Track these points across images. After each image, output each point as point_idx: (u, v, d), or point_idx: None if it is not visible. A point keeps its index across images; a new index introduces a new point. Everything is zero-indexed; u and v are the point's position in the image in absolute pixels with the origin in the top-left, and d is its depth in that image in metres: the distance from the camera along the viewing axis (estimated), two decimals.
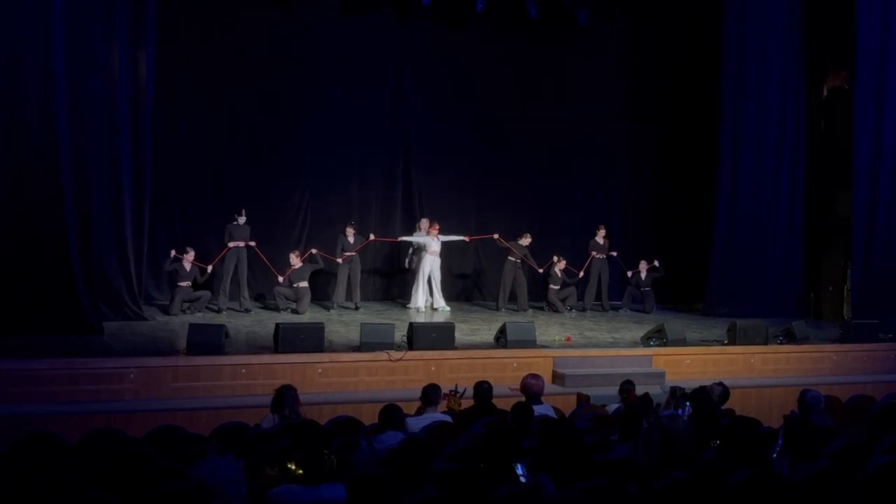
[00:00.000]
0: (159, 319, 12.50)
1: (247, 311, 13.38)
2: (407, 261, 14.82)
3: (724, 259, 15.35)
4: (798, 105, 15.54)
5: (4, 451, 6.14)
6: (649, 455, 5.32)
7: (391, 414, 6.51)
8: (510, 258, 14.87)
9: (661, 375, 11.03)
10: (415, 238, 14.75)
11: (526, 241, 14.98)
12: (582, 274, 15.33)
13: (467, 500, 5.05)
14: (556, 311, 15.00)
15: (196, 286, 13.24)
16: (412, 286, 14.67)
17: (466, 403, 7.91)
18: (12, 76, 10.75)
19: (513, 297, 14.97)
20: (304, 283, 13.61)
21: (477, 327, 12.90)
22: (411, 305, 14.52)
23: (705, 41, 15.84)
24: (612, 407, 8.33)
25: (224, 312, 13.20)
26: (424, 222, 14.69)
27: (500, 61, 16.11)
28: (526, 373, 8.09)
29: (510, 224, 15.57)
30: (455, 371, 10.30)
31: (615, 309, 15.56)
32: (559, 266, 15.12)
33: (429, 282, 14.52)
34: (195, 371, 9.70)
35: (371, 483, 5.25)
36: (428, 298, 14.56)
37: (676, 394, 7.67)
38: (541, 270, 15.15)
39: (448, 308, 14.61)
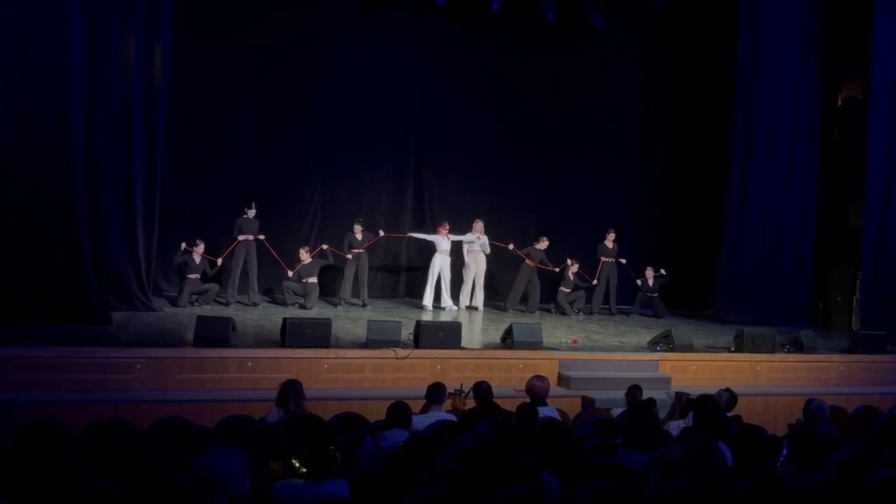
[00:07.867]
0: (167, 311, 12.52)
1: (255, 304, 13.41)
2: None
3: (734, 266, 15.31)
4: (812, 114, 15.48)
5: (8, 441, 6.14)
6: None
7: (399, 411, 6.49)
8: (528, 262, 14.85)
9: (668, 381, 10.99)
10: (425, 236, 14.77)
11: (543, 244, 14.92)
12: (595, 282, 15.31)
13: (471, 500, 5.05)
14: (563, 313, 14.98)
15: (205, 279, 13.28)
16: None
17: (471, 403, 7.91)
18: (28, 66, 10.75)
19: (524, 299, 14.95)
20: (313, 279, 13.63)
21: (484, 327, 12.89)
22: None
23: (719, 47, 15.78)
24: (617, 411, 8.32)
25: (232, 305, 13.23)
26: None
27: (513, 62, 16.09)
28: (531, 374, 8.08)
29: (521, 224, 15.60)
30: (461, 371, 10.27)
31: (623, 313, 15.53)
32: (572, 269, 15.09)
33: (437, 281, 14.52)
34: (202, 363, 9.70)
35: (375, 480, 5.25)
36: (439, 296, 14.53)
37: (682, 399, 7.66)
38: (556, 270, 15.10)
39: (456, 307, 14.60)
